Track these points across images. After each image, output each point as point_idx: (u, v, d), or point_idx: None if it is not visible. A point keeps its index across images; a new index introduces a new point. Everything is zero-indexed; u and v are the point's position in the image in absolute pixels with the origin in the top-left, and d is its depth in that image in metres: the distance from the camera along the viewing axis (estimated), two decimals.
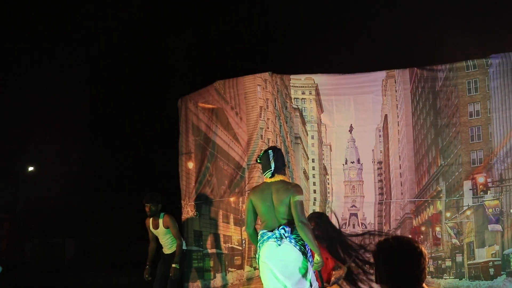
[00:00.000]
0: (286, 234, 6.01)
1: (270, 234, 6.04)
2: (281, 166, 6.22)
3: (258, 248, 6.14)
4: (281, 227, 6.02)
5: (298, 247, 6.00)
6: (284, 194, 6.07)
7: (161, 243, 8.89)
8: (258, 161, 6.34)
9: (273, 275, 5.95)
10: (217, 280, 9.53)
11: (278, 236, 6.01)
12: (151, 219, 8.79)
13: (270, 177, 6.15)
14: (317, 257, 5.95)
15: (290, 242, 6.00)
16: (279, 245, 5.99)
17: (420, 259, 2.89)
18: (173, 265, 8.48)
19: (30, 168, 25.06)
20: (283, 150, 9.14)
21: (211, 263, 9.63)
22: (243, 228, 9.35)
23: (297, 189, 6.15)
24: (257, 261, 6.22)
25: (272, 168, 6.15)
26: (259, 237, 6.13)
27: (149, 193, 8.83)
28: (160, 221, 8.70)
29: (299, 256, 5.96)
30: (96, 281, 16.86)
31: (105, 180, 21.45)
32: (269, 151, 6.29)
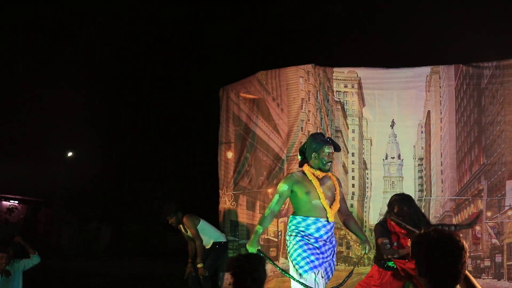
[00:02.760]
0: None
1: None
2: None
3: None
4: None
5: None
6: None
7: None
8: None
9: None
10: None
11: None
12: (180, 225, 8.88)
13: None
14: None
15: None
16: None
17: (461, 253, 2.84)
18: (198, 265, 8.55)
19: (69, 154, 25.40)
20: None
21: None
22: (280, 219, 9.36)
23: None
24: None
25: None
26: None
27: (163, 208, 8.91)
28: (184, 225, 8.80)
29: None
30: (132, 268, 17.03)
31: (143, 168, 21.63)
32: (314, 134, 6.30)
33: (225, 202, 9.78)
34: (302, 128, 9.40)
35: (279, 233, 9.49)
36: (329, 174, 6.01)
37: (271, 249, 9.51)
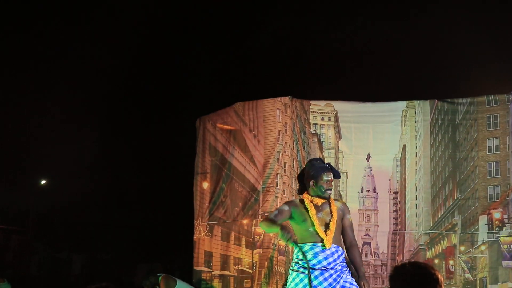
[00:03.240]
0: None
1: None
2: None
3: None
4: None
5: None
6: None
7: None
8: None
9: None
10: None
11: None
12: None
13: None
14: None
15: None
16: None
17: (436, 285, 2.87)
18: None
19: (43, 182, 25.11)
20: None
21: (220, 285, 9.59)
22: (255, 251, 9.34)
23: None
24: None
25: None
26: None
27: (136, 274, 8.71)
28: None
29: None
30: None
31: (115, 197, 21.45)
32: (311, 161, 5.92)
33: (200, 232, 9.73)
34: (278, 159, 9.43)
35: (254, 264, 9.46)
36: (331, 200, 5.76)
37: (245, 280, 9.46)
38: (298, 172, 9.07)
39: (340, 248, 5.61)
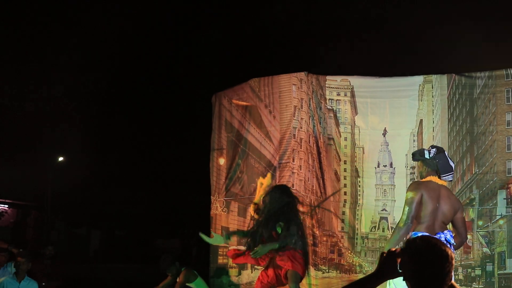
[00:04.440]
0: (451, 241, 5.78)
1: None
2: None
3: None
4: (446, 232, 5.82)
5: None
6: (456, 203, 6.04)
7: None
8: (427, 158, 6.00)
9: None
10: (243, 277, 9.54)
11: (443, 241, 5.57)
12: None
13: (451, 180, 6.22)
14: None
15: (453, 251, 5.84)
16: None
17: (445, 262, 2.86)
18: None
19: (60, 159, 25.28)
20: (315, 151, 9.16)
21: None
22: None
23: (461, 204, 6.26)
24: None
25: (453, 171, 6.05)
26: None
27: (160, 260, 8.76)
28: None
29: None
30: (121, 273, 16.97)
31: (134, 174, 21.56)
32: (444, 151, 6.12)
33: (217, 208, 9.77)
34: (294, 135, 9.41)
35: None
36: None
37: None
38: (314, 148, 9.10)
39: None
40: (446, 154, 6.06)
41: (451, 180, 6.18)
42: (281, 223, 6.78)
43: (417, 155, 6.12)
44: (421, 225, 5.77)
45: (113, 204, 24.47)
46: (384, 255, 2.91)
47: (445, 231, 5.79)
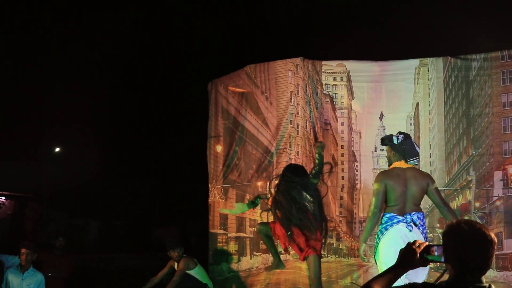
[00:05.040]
0: (417, 222, 6.23)
1: (400, 218, 6.21)
2: None
3: (382, 230, 6.28)
4: (414, 213, 6.25)
5: (425, 239, 6.23)
6: (424, 180, 6.38)
7: None
8: (396, 143, 6.43)
9: None
10: (242, 264, 9.57)
11: (409, 221, 6.19)
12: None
13: (417, 164, 6.56)
14: None
15: (419, 230, 6.21)
16: (410, 230, 6.17)
17: (489, 246, 2.93)
18: None
19: (57, 149, 25.26)
20: (312, 136, 9.18)
21: (236, 247, 9.67)
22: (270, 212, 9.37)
23: (431, 177, 6.61)
24: (377, 242, 6.32)
25: (419, 156, 6.53)
26: (385, 219, 6.29)
27: (167, 238, 8.73)
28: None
29: None
30: (120, 263, 17.00)
31: (131, 163, 21.58)
32: (410, 137, 6.56)
33: (215, 195, 9.78)
34: (291, 121, 9.42)
35: None
36: None
37: (261, 242, 9.52)
38: (311, 133, 9.13)
39: None
40: (412, 140, 6.52)
41: (417, 164, 6.56)
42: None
43: (386, 141, 6.52)
44: (392, 207, 6.27)
45: (111, 194, 24.48)
46: (412, 246, 2.98)
47: (413, 213, 6.23)
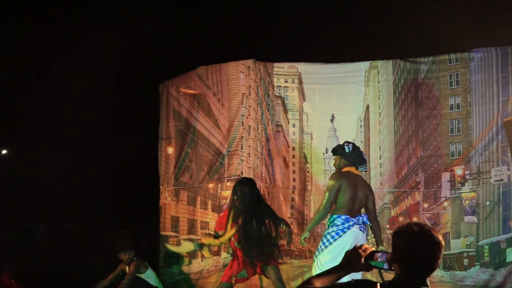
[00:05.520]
0: (367, 223, 6.60)
1: (354, 220, 6.44)
2: None
3: (338, 232, 6.38)
4: (363, 215, 6.60)
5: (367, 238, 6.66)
6: (368, 190, 6.75)
7: None
8: (348, 152, 6.69)
9: None
10: (193, 266, 9.52)
11: (361, 223, 6.48)
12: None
13: (366, 170, 7.01)
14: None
15: (364, 232, 6.52)
16: (363, 232, 6.48)
17: (437, 248, 2.99)
18: None
19: (3, 152, 24.79)
20: (263, 138, 9.20)
21: (187, 249, 9.62)
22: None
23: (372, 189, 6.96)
24: (330, 242, 6.39)
25: (366, 163, 6.86)
26: (341, 221, 6.44)
27: (117, 240, 8.56)
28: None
29: None
30: (69, 267, 16.73)
31: (79, 165, 21.27)
32: (358, 147, 6.92)
33: (166, 197, 9.71)
34: (243, 123, 9.42)
35: None
36: None
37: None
38: (263, 135, 9.15)
39: None
40: (359, 149, 6.89)
41: (365, 171, 7.03)
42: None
43: (339, 150, 6.79)
44: (342, 209, 6.49)
45: (61, 196, 24.10)
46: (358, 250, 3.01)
47: (363, 214, 6.60)
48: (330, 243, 6.38)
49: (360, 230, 6.43)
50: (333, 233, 6.41)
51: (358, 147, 6.90)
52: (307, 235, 6.79)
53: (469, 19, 8.55)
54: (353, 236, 6.35)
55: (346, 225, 6.39)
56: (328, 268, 3.22)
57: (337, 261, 5.90)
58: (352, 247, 5.93)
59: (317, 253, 6.50)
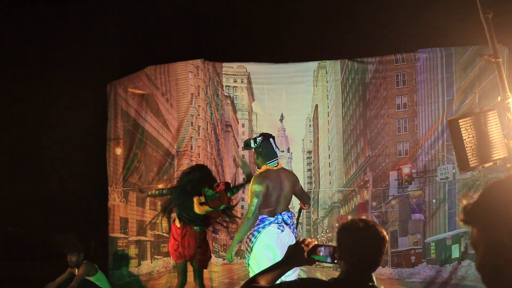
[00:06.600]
0: (288, 221, 6.14)
1: (271, 219, 6.08)
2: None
3: (255, 233, 6.11)
4: (284, 213, 6.15)
5: (295, 236, 6.19)
6: (295, 182, 6.31)
7: None
8: (254, 146, 6.17)
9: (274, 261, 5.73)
10: (142, 268, 9.45)
11: (280, 221, 6.08)
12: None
13: (276, 165, 6.19)
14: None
15: (290, 229, 6.15)
16: (282, 230, 6.07)
17: (382, 244, 2.99)
18: None
19: None
20: (213, 138, 9.17)
21: (136, 250, 9.54)
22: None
23: (297, 176, 6.51)
24: (251, 246, 6.13)
25: (278, 156, 6.23)
26: (257, 222, 6.09)
27: (65, 243, 8.46)
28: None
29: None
30: (14, 271, 16.38)
31: (24, 167, 20.87)
32: (270, 138, 6.24)
33: (114, 199, 9.60)
34: (192, 123, 9.39)
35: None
36: None
37: (162, 245, 9.44)
38: (212, 135, 9.12)
39: None
40: (271, 140, 6.22)
41: (276, 166, 6.20)
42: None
43: (244, 146, 6.36)
44: (263, 210, 6.07)
45: (5, 199, 23.58)
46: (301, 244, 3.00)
47: (283, 212, 6.15)
48: (252, 247, 6.10)
49: (279, 228, 6.04)
50: (251, 236, 6.12)
51: (269, 139, 6.22)
52: (235, 248, 6.29)
53: (415, 18, 8.68)
54: (270, 235, 6.03)
55: (262, 224, 6.05)
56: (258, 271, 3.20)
57: (262, 263, 5.89)
58: (271, 247, 5.98)
59: (246, 260, 6.24)
